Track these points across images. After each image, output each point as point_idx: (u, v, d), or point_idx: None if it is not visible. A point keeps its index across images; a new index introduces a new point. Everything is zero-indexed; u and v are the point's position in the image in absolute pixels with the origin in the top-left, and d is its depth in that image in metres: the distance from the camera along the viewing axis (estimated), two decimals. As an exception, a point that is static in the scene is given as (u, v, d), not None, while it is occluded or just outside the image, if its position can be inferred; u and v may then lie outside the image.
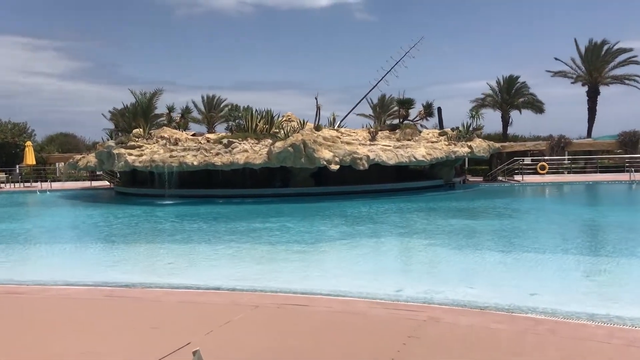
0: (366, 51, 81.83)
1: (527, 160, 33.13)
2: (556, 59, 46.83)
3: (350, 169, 24.17)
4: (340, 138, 25.53)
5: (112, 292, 8.23)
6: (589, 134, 44.56)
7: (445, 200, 23.81)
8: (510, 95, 43.95)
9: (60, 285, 8.78)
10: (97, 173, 36.58)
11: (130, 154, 25.60)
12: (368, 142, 26.15)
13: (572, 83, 46.67)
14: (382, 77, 32.61)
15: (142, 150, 26.01)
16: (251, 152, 24.67)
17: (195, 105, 52.53)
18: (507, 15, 78.10)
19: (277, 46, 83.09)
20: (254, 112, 27.74)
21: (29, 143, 37.04)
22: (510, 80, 44.26)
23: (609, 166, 34.45)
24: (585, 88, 45.09)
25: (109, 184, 36.23)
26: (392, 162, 24.45)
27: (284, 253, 12.21)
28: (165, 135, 27.84)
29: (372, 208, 20.88)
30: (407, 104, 31.27)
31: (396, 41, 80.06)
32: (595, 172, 33.38)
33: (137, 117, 45.19)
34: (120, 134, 33.52)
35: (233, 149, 24.88)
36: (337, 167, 23.68)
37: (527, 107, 44.55)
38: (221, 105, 54.02)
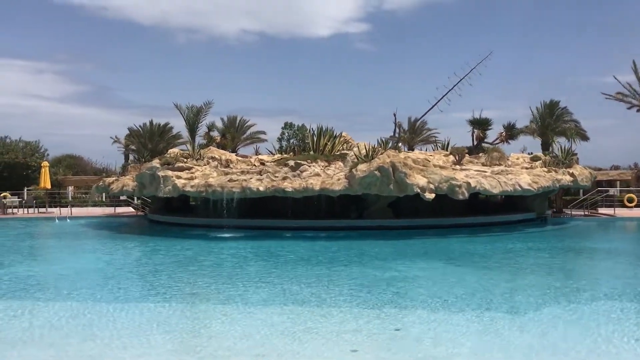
0: (365, 80, 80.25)
1: (613, 190, 29.24)
2: (615, 77, 43.58)
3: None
4: (430, 161, 21.61)
5: None
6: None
7: (564, 239, 19.85)
8: (552, 120, 40.02)
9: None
10: (121, 198, 32.30)
11: (179, 177, 21.47)
12: (459, 167, 22.29)
13: (628, 109, 43.40)
14: (444, 95, 28.83)
15: (192, 173, 21.93)
16: (324, 176, 20.71)
17: (216, 127, 48.98)
18: (511, 45, 74.32)
19: (275, 73, 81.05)
20: (321, 130, 23.84)
21: (45, 163, 32.54)
22: (551, 105, 40.40)
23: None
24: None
25: (134, 210, 31.98)
26: (496, 190, 20.45)
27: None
28: (216, 156, 23.88)
29: (491, 246, 16.99)
30: (483, 124, 27.60)
31: (396, 70, 78.73)
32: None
33: (154, 138, 41.40)
34: (142, 158, 29.42)
35: (302, 172, 20.91)
36: (433, 195, 19.67)
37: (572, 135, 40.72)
38: (244, 127, 50.58)
